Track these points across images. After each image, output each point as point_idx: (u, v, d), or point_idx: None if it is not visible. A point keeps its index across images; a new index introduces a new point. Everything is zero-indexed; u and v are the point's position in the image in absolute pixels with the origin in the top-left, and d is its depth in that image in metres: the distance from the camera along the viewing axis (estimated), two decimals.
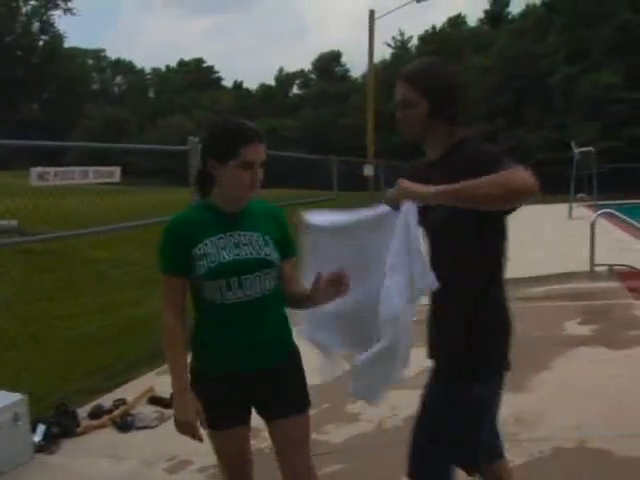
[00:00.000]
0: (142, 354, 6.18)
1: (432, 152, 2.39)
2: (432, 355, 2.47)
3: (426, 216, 2.26)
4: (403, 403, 4.58)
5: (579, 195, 24.27)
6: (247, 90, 76.49)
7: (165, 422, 4.61)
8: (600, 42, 43.25)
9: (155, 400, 4.99)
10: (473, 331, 2.30)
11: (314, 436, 4.15)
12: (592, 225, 9.18)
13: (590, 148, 23.69)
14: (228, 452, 2.55)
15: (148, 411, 4.79)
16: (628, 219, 12.87)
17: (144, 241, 8.49)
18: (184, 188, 7.18)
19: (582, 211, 19.18)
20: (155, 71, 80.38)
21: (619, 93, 40.88)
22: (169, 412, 4.77)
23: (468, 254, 2.27)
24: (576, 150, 22.96)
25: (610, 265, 9.04)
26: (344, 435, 4.05)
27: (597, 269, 8.90)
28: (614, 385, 4.72)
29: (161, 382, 5.46)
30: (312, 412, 4.55)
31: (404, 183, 2.20)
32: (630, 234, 13.58)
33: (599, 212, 10.72)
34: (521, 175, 2.00)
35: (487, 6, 60.39)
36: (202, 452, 4.09)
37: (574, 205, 20.78)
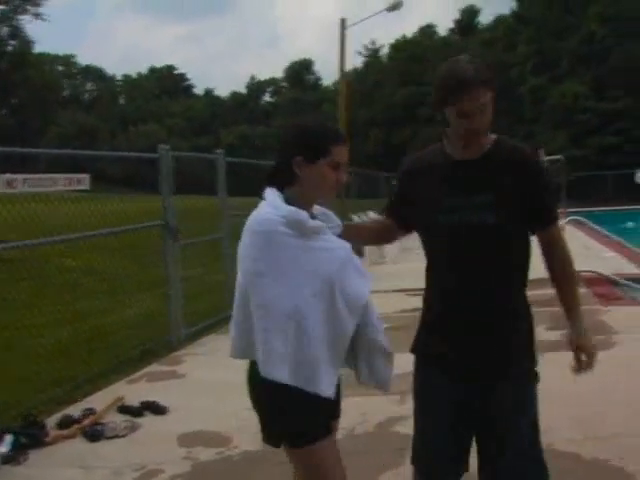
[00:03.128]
0: (112, 363, 6.14)
1: (468, 152, 2.30)
2: (480, 360, 2.36)
3: (463, 218, 2.27)
4: (373, 409, 4.62)
5: None
6: (218, 98, 76.42)
7: (135, 431, 4.59)
8: (568, 53, 43.96)
9: (125, 409, 4.96)
10: (530, 332, 2.42)
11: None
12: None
13: (559, 156, 24.01)
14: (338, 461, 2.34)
15: (118, 420, 4.75)
16: (595, 226, 13.09)
17: (115, 249, 8.44)
18: (156, 195, 7.17)
19: None
20: (126, 78, 79.95)
21: (587, 103, 41.62)
22: (139, 421, 4.76)
23: (520, 257, 2.37)
24: (545, 158, 23.25)
25: (577, 271, 9.16)
26: None
27: None
28: (581, 389, 4.77)
29: (131, 391, 5.43)
30: None
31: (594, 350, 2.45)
32: (597, 241, 13.82)
33: (567, 219, 10.89)
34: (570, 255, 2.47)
35: (457, 16, 61.14)
36: (173, 461, 4.10)
37: None
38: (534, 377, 2.46)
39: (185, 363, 6.33)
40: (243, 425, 4.55)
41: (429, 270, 2.48)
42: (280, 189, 2.23)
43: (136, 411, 4.90)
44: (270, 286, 2.11)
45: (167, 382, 5.75)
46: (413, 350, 2.51)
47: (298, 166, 2.20)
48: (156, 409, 4.94)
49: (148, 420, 4.80)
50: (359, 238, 2.67)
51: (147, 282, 8.66)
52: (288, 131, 2.33)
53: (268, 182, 2.27)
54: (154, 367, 6.24)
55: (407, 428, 4.21)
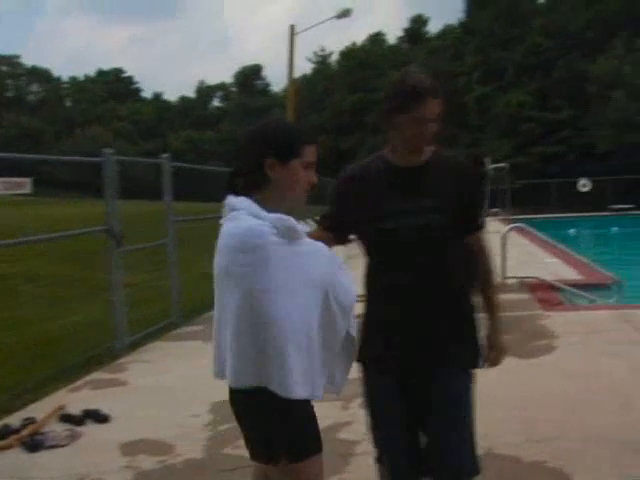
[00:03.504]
0: (54, 370, 6.02)
1: (409, 159, 2.42)
2: (429, 348, 2.46)
3: (409, 222, 2.37)
4: (318, 415, 4.62)
5: (494, 210, 25.03)
6: (167, 102, 75.70)
7: (76, 440, 4.50)
8: (513, 63, 44.89)
9: (66, 418, 4.86)
10: (474, 321, 2.53)
11: (229, 451, 4.17)
12: (503, 239, 9.49)
13: (504, 164, 24.50)
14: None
15: (59, 429, 4.65)
16: (538, 233, 13.37)
17: (58, 255, 8.29)
18: (100, 200, 7.06)
19: (496, 225, 19.68)
20: (73, 80, 78.50)
21: (531, 112, 42.56)
22: (80, 430, 4.67)
23: (460, 254, 2.48)
24: (490, 166, 23.69)
25: (520, 277, 9.37)
26: None
27: (508, 281, 9.21)
28: (521, 392, 4.89)
29: (73, 399, 5.33)
30: (226, 426, 4.57)
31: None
32: (540, 247, 14.11)
33: (510, 226, 11.08)
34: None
35: (406, 24, 61.85)
36: (114, 470, 4.03)
37: (489, 219, 21.36)
38: (465, 375, 2.55)
39: (129, 370, 6.24)
40: (186, 432, 4.53)
41: (371, 274, 2.54)
42: (246, 195, 2.13)
43: (78, 420, 4.81)
44: (279, 302, 2.00)
45: (110, 390, 5.66)
46: (358, 358, 2.52)
47: (271, 168, 2.11)
48: (98, 417, 4.85)
49: (90, 429, 4.71)
50: None
51: (91, 288, 8.52)
52: (255, 133, 2.19)
53: (231, 188, 2.17)
54: (97, 375, 6.13)
55: (351, 434, 4.26)
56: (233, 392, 2.15)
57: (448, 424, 2.48)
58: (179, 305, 8.26)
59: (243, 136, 2.22)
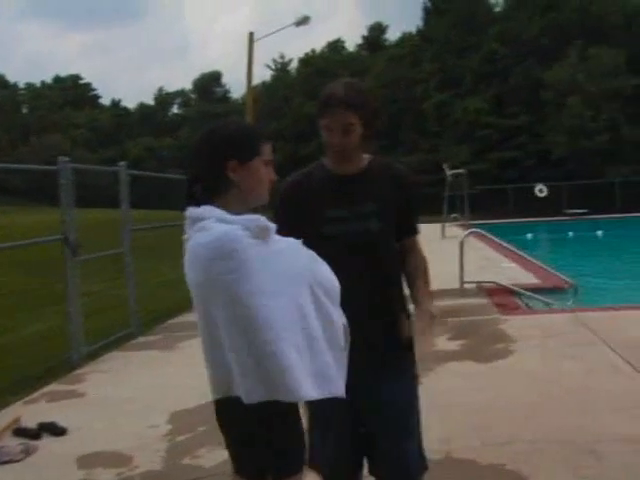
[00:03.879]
0: (7, 383, 5.90)
1: (347, 167, 2.50)
2: (377, 354, 2.49)
3: (349, 227, 2.45)
4: None
5: (452, 215, 25.28)
6: (125, 109, 74.93)
7: (31, 455, 4.41)
8: (470, 71, 45.52)
9: (21, 432, 4.76)
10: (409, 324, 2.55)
11: (188, 461, 4.13)
12: (461, 244, 9.58)
13: (461, 170, 24.77)
14: None
15: (13, 444, 4.55)
16: (495, 238, 13.53)
17: (13, 264, 8.14)
18: (56, 208, 6.96)
19: (455, 230, 19.98)
20: (29, 86, 77.22)
21: (488, 118, 43.18)
22: (36, 444, 4.58)
23: (396, 260, 2.56)
24: (448, 172, 23.96)
25: (478, 282, 9.47)
26: (217, 459, 4.00)
27: (466, 286, 9.30)
28: (480, 397, 4.94)
29: (29, 412, 5.23)
30: (186, 436, 4.53)
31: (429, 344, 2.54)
32: (498, 252, 14.29)
33: (468, 231, 11.21)
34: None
35: (365, 32, 62.26)
36: None
37: (447, 225, 21.62)
38: (415, 377, 2.62)
39: (86, 381, 6.15)
40: (144, 444, 4.47)
41: None
42: (207, 202, 2.03)
43: (33, 433, 4.72)
44: (267, 304, 1.91)
45: (67, 402, 5.56)
46: None
47: (233, 170, 2.05)
48: (54, 430, 4.76)
49: (46, 442, 4.62)
50: None
51: (47, 298, 8.38)
52: (212, 136, 2.13)
53: (191, 197, 2.07)
54: (53, 386, 6.03)
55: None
56: (225, 404, 2.06)
57: (396, 424, 2.53)
58: (137, 314, 8.17)
59: (198, 141, 2.15)
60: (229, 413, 2.07)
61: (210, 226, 1.95)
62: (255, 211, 2.11)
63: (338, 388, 2.02)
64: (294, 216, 2.52)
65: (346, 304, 2.38)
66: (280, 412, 2.00)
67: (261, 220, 1.97)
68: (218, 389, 2.06)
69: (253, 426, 2.03)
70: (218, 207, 2.01)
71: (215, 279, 1.92)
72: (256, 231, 1.95)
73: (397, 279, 2.58)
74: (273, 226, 2.01)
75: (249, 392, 1.94)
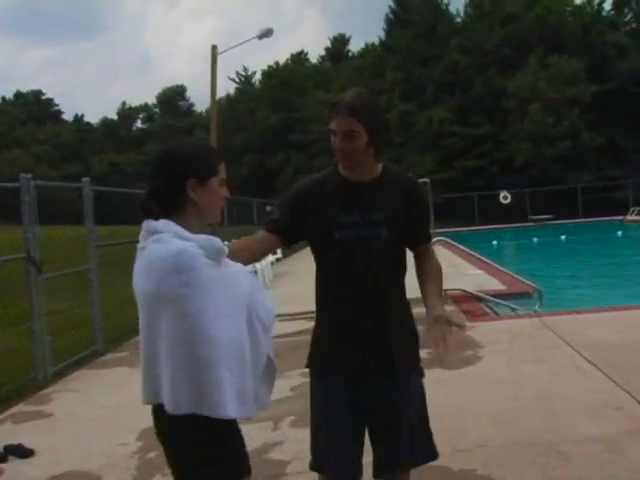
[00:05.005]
0: None
1: (359, 174, 2.58)
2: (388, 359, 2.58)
3: (359, 233, 2.52)
4: (247, 437, 4.55)
5: None
6: (88, 124, 74.27)
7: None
8: (432, 80, 46.00)
9: None
10: (417, 331, 2.69)
11: (158, 479, 4.09)
12: None
13: (426, 179, 24.98)
14: None
15: None
16: (461, 246, 13.68)
17: None
18: (19, 226, 6.86)
19: None
20: None
21: (452, 128, 43.62)
22: (2, 467, 4.50)
23: (401, 266, 2.64)
24: None
25: (445, 290, 9.53)
26: None
27: None
28: (449, 403, 4.97)
29: None
30: (156, 453, 4.47)
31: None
32: (464, 259, 14.44)
33: (433, 240, 11.27)
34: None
35: (328, 43, 62.59)
36: None
37: None
38: (422, 374, 2.73)
39: (53, 401, 6.06)
40: (114, 462, 4.42)
41: (323, 285, 2.65)
42: (164, 217, 2.07)
43: None
44: (212, 323, 1.96)
45: (34, 423, 5.48)
46: (309, 365, 2.67)
47: (192, 189, 2.09)
48: (21, 452, 4.68)
49: (13, 465, 4.54)
50: (246, 254, 2.65)
51: (11, 317, 8.24)
52: (172, 154, 2.16)
53: (147, 212, 2.10)
54: (19, 407, 5.93)
55: (282, 454, 4.24)
56: (161, 418, 2.07)
57: (411, 422, 2.63)
58: (104, 331, 8.08)
59: (157, 159, 2.19)
60: (160, 420, 2.10)
61: (168, 240, 1.99)
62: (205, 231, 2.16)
63: (252, 411, 2.09)
64: (298, 218, 2.60)
65: (348, 306, 2.56)
66: (211, 426, 2.01)
67: (216, 242, 2.03)
68: (146, 395, 2.11)
69: (182, 438, 2.06)
70: (176, 223, 2.06)
71: (167, 292, 1.96)
72: (211, 251, 2.00)
73: (400, 284, 2.65)
74: (226, 249, 2.07)
75: (175, 403, 1.98)
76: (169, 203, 2.11)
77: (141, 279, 2.05)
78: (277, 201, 2.69)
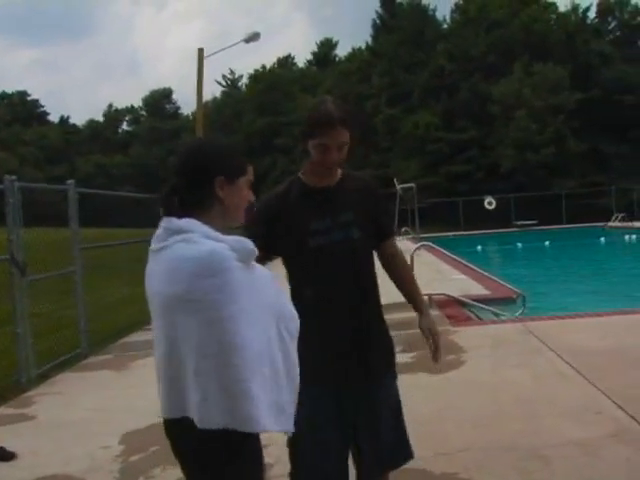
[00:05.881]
0: None
1: (326, 181, 2.64)
2: (366, 363, 2.64)
3: (333, 237, 2.57)
4: None
5: (403, 229, 25.54)
6: (74, 126, 73.94)
7: None
8: (418, 86, 46.16)
9: None
10: (390, 339, 2.79)
11: None
12: (411, 257, 9.70)
13: (411, 184, 25.08)
14: None
15: None
16: (446, 251, 13.74)
17: None
18: (2, 227, 6.83)
19: (406, 244, 20.12)
20: None
21: (438, 133, 43.80)
22: None
23: (373, 267, 2.71)
24: (398, 186, 24.22)
25: (429, 294, 9.57)
26: (171, 478, 3.98)
27: None
28: (431, 408, 5.01)
29: None
30: (139, 456, 4.48)
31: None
32: (448, 264, 14.50)
33: (418, 245, 11.35)
34: None
35: (315, 48, 62.72)
36: None
37: (398, 238, 21.79)
38: (396, 376, 2.82)
39: (36, 404, 6.03)
40: (97, 466, 4.41)
41: (298, 291, 2.65)
42: (185, 215, 1.96)
43: None
44: (243, 329, 1.84)
45: (16, 425, 5.44)
46: None
47: (220, 187, 2.01)
48: (3, 456, 4.64)
49: None
50: None
51: None
52: (203, 150, 2.10)
53: (171, 209, 1.99)
54: (1, 410, 5.89)
55: (267, 457, 4.23)
56: (183, 434, 1.96)
57: (389, 423, 2.70)
58: (88, 334, 8.05)
59: (187, 153, 2.11)
60: (182, 435, 1.98)
61: (197, 240, 1.88)
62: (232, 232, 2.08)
63: (291, 424, 1.99)
64: (272, 232, 2.62)
65: (330, 310, 2.59)
66: (236, 441, 1.91)
67: (248, 243, 1.93)
68: (169, 409, 1.98)
69: (207, 453, 1.94)
70: (201, 222, 1.96)
71: (197, 296, 1.84)
72: (243, 254, 1.90)
73: (376, 285, 2.72)
74: (257, 252, 1.96)
75: (206, 417, 1.86)
76: (193, 200, 2.02)
77: (161, 281, 1.92)
78: (248, 223, 2.65)
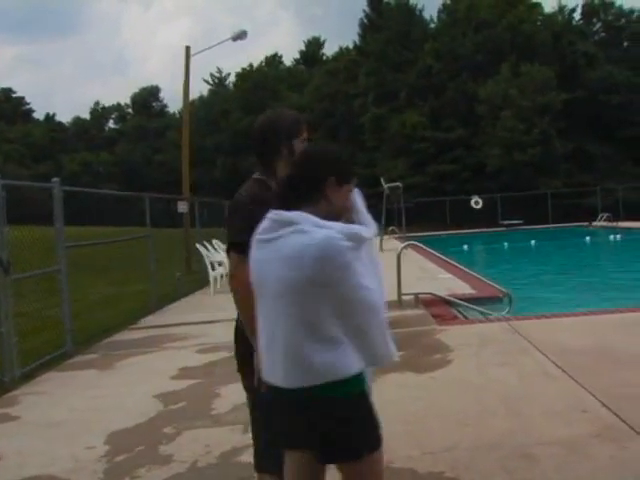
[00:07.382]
0: None
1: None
2: None
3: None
4: (217, 441, 4.58)
5: (390, 228, 25.55)
6: (60, 123, 73.49)
7: None
8: (406, 85, 46.24)
9: None
10: None
11: None
12: (398, 256, 9.69)
13: (398, 184, 25.09)
14: None
15: None
16: (432, 250, 13.76)
17: None
18: None
19: (393, 243, 20.17)
20: None
21: (425, 132, 43.91)
22: None
23: None
24: (385, 185, 24.23)
25: (415, 294, 9.59)
26: (156, 478, 3.97)
27: (404, 298, 9.39)
28: (418, 407, 5.01)
29: None
30: (124, 457, 4.45)
31: None
32: (435, 263, 14.52)
33: (404, 244, 11.34)
34: None
35: (302, 46, 62.68)
36: None
37: (385, 238, 21.82)
38: None
39: (20, 404, 5.98)
40: (81, 466, 4.38)
41: None
42: (296, 208, 2.25)
43: None
44: (369, 295, 2.22)
45: (0, 426, 5.40)
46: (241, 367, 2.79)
47: (330, 187, 2.30)
48: None
49: None
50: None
51: None
52: (317, 154, 2.40)
53: (286, 202, 2.28)
54: None
55: (250, 457, 4.22)
56: (319, 397, 2.21)
57: None
58: (72, 333, 8.00)
59: (302, 157, 2.41)
60: (331, 402, 2.24)
61: (308, 229, 2.17)
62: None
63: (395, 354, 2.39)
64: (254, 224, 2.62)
65: None
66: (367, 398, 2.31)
67: (355, 228, 2.26)
68: (289, 377, 2.23)
69: (351, 409, 2.28)
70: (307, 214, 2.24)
71: (323, 277, 2.15)
72: (351, 236, 2.19)
73: None
74: (364, 235, 2.27)
75: (348, 365, 2.20)
76: (305, 196, 2.29)
77: (282, 267, 2.19)
78: (229, 224, 2.69)
